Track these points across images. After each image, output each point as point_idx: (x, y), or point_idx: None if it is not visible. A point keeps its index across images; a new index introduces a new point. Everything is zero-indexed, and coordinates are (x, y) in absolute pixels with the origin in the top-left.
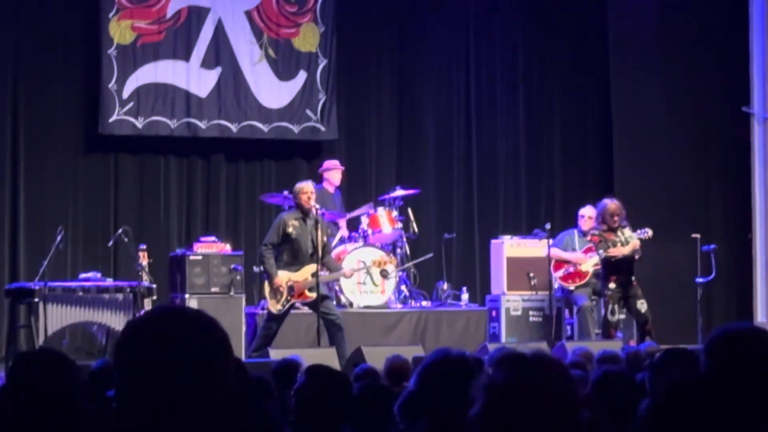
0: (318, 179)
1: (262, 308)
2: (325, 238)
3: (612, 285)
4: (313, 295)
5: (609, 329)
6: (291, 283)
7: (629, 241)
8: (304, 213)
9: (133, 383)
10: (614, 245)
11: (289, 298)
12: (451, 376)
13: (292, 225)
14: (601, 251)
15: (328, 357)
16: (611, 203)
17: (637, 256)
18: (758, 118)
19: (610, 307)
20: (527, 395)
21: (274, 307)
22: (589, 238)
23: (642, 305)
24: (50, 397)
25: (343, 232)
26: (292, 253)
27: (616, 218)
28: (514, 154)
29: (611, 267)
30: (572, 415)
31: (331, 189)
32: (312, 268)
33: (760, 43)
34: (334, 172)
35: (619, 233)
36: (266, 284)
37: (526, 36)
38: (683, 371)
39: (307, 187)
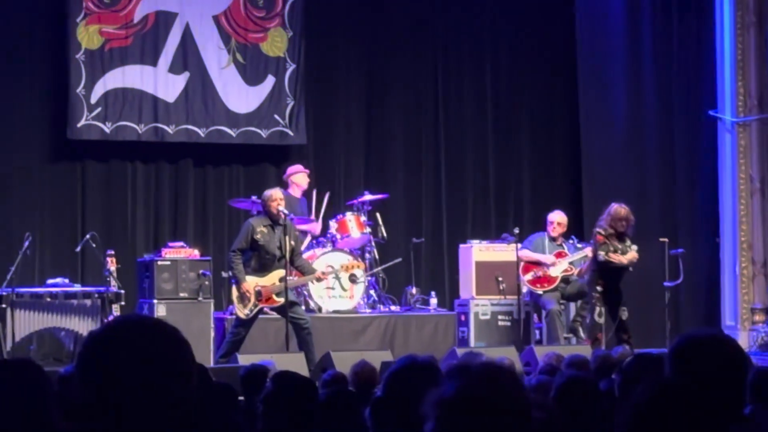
0: (284, 185)
1: (231, 313)
2: (293, 243)
3: (599, 288)
4: (281, 300)
5: (596, 333)
6: (258, 288)
7: (628, 251)
8: (273, 220)
9: (95, 392)
10: (615, 251)
11: (256, 303)
12: (418, 381)
13: (260, 231)
14: (602, 253)
15: (296, 361)
16: (621, 208)
17: (630, 268)
18: (725, 121)
19: (597, 309)
20: (477, 407)
21: (242, 312)
22: (594, 236)
23: (623, 313)
24: (22, 408)
25: (315, 232)
26: (259, 259)
27: (623, 223)
28: (482, 159)
29: (604, 271)
30: (524, 420)
31: (297, 194)
32: (280, 273)
33: (727, 46)
34: (300, 176)
35: (623, 240)
36: (234, 289)
37: (495, 40)
38: (653, 376)
39: (276, 194)
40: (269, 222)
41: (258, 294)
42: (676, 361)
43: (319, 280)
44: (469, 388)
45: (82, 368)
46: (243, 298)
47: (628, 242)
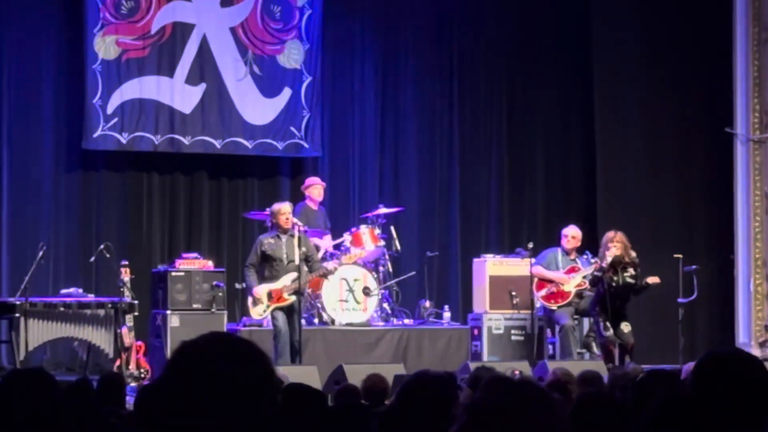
0: (302, 197)
1: (244, 325)
2: (304, 249)
3: (597, 308)
4: (291, 298)
5: (609, 346)
6: (269, 291)
7: (625, 280)
8: (283, 232)
9: (184, 400)
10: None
11: (269, 303)
12: (431, 395)
13: (267, 243)
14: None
15: (308, 374)
16: (609, 232)
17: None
18: (741, 138)
19: (602, 324)
20: (507, 418)
21: (256, 314)
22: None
23: (626, 327)
24: (32, 416)
25: (327, 245)
26: (271, 269)
27: (619, 245)
28: (497, 173)
29: (605, 295)
30: None
31: (314, 206)
32: (291, 275)
33: (743, 63)
34: (313, 188)
35: (623, 270)
36: (249, 299)
37: (511, 55)
38: (667, 392)
39: (284, 208)
40: (275, 234)
41: (269, 295)
42: (701, 375)
43: (324, 275)
44: (502, 400)
45: (174, 375)
46: (255, 302)
47: (629, 270)
